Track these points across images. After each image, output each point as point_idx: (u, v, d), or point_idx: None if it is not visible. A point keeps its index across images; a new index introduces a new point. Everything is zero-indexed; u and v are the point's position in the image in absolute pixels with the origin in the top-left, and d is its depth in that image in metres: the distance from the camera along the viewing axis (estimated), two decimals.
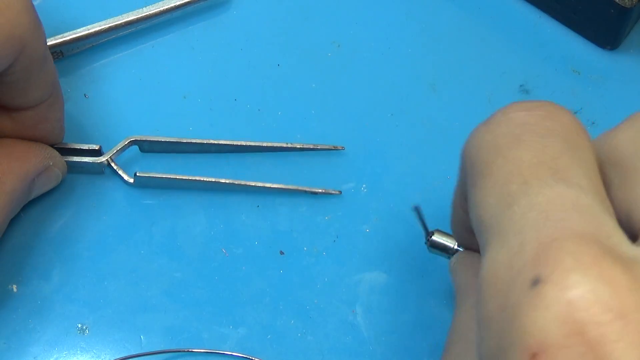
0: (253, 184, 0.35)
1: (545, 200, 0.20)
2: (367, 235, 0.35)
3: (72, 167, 0.34)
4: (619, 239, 0.20)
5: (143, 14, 0.38)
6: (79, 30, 0.37)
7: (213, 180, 0.34)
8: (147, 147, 0.35)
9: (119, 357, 0.32)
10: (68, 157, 0.34)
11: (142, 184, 0.35)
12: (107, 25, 0.37)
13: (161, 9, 0.38)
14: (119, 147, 0.34)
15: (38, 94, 0.30)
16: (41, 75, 0.29)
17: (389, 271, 0.34)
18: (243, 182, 0.35)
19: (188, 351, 0.32)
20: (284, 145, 0.36)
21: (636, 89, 0.39)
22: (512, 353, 0.18)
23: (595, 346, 0.17)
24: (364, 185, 0.36)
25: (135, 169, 0.35)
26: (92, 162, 0.34)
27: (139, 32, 0.38)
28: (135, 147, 0.35)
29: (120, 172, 0.34)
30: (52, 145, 0.33)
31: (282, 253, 0.35)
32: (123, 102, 0.37)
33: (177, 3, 0.38)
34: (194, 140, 0.35)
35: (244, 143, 0.36)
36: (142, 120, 0.36)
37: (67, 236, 0.34)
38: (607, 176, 0.23)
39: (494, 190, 0.21)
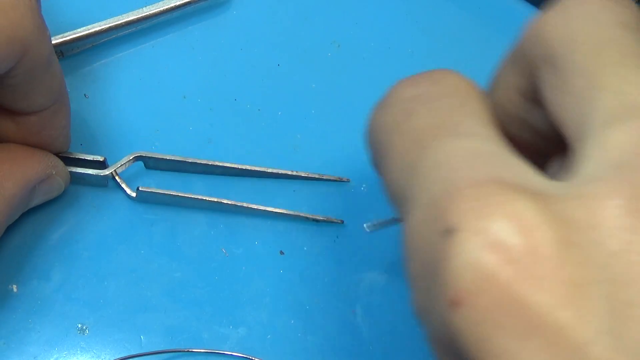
0: (255, 207, 0.35)
1: (445, 156, 0.20)
2: (367, 235, 0.35)
3: (76, 178, 0.34)
4: (527, 174, 0.19)
5: (143, 14, 0.38)
6: (79, 30, 0.37)
7: (215, 200, 0.34)
8: (152, 164, 0.35)
9: (119, 357, 0.32)
10: (72, 167, 0.34)
11: (144, 199, 0.34)
12: (107, 25, 0.37)
13: (161, 9, 0.38)
14: (123, 161, 0.34)
15: (42, 99, 0.30)
16: (45, 79, 0.29)
17: (389, 271, 0.34)
18: (245, 205, 0.34)
19: (188, 351, 0.32)
20: (289, 172, 0.36)
21: None
22: (437, 306, 0.18)
23: (509, 287, 0.17)
24: (364, 185, 0.36)
25: (139, 184, 0.34)
26: (96, 175, 0.34)
27: (139, 32, 0.38)
28: (140, 163, 0.35)
29: (123, 185, 0.34)
30: (56, 154, 0.33)
31: (282, 253, 0.35)
32: (123, 102, 0.37)
33: (177, 3, 0.38)
34: (199, 161, 0.35)
35: (249, 167, 0.35)
36: (142, 121, 0.36)
37: (67, 237, 0.34)
38: (540, 78, 0.22)
39: (397, 166, 0.21)
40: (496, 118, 0.22)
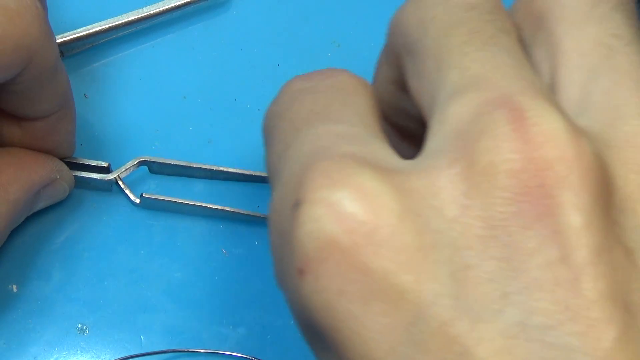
0: (259, 215, 0.34)
1: (313, 137, 0.20)
2: None
3: (79, 183, 0.34)
4: (383, 154, 0.20)
5: (143, 14, 0.38)
6: (79, 30, 0.37)
7: (219, 207, 0.34)
8: (157, 169, 0.35)
9: (119, 357, 0.32)
10: (76, 171, 0.34)
11: (147, 205, 0.34)
12: (107, 25, 0.37)
13: (161, 9, 0.38)
14: (127, 166, 0.34)
15: (47, 105, 0.30)
16: (51, 86, 0.29)
17: None
18: (251, 213, 0.34)
19: (188, 351, 0.32)
20: None
21: None
22: (288, 277, 0.19)
23: (350, 253, 0.17)
24: None
25: (142, 188, 0.35)
26: (100, 179, 0.34)
27: (139, 32, 0.38)
28: (145, 168, 0.35)
29: (127, 191, 0.34)
30: (60, 159, 0.33)
31: None
32: (123, 102, 0.37)
33: (177, 3, 0.38)
34: (203, 166, 0.35)
35: (253, 173, 0.35)
36: (141, 121, 0.36)
37: (68, 238, 0.34)
38: (403, 66, 0.23)
39: (275, 150, 0.22)
40: (380, 111, 0.23)
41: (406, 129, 0.23)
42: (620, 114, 0.19)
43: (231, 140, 0.37)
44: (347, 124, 0.21)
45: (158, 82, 0.38)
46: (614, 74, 0.20)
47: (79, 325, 0.33)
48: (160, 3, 0.38)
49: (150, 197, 0.34)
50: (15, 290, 0.33)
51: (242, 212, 0.34)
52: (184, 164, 0.35)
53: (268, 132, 0.23)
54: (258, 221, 0.35)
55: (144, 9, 0.38)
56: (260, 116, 0.37)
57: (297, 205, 0.18)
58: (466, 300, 0.17)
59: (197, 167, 0.35)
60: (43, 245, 0.34)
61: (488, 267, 0.17)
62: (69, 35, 0.36)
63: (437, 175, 0.18)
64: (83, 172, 0.34)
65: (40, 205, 0.33)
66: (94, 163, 0.34)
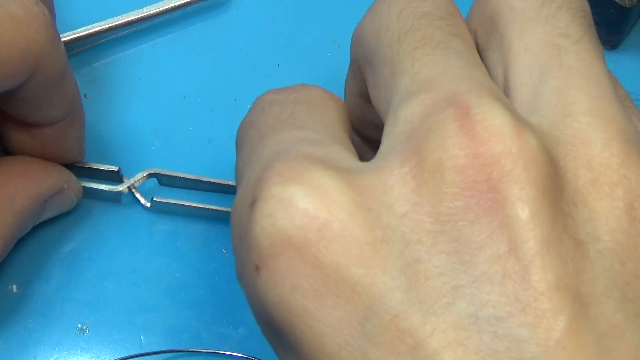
0: None
1: (276, 142, 0.21)
2: None
3: (88, 193, 0.34)
4: (341, 157, 0.20)
5: (143, 14, 0.38)
6: (79, 30, 0.37)
7: (229, 210, 0.34)
8: (166, 181, 0.35)
9: (119, 357, 0.32)
10: (85, 182, 0.33)
11: (158, 209, 0.34)
12: (107, 25, 0.37)
13: (161, 9, 0.38)
14: (137, 178, 0.34)
15: (55, 112, 0.30)
16: (59, 93, 0.29)
17: None
18: None
19: (188, 351, 0.32)
20: None
21: (636, 89, 0.39)
22: (246, 274, 0.19)
23: (302, 248, 0.18)
24: None
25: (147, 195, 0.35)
26: (110, 191, 0.34)
27: (139, 32, 0.38)
28: (154, 180, 0.35)
29: (138, 195, 0.34)
30: (70, 163, 0.33)
31: None
32: (123, 102, 0.37)
33: (177, 3, 0.38)
34: (212, 180, 0.34)
35: None
36: (141, 121, 0.36)
37: (68, 238, 0.34)
38: (365, 78, 0.24)
39: (241, 155, 0.23)
40: (350, 124, 0.24)
41: (376, 141, 0.24)
42: (570, 111, 0.20)
43: (231, 140, 0.36)
44: (311, 131, 0.22)
45: (158, 82, 0.38)
46: (563, 73, 0.21)
47: (79, 326, 0.33)
48: (160, 3, 0.38)
49: (162, 201, 0.34)
50: (15, 290, 0.33)
51: None
52: (193, 177, 0.34)
53: (239, 141, 0.24)
54: None
55: (144, 9, 0.38)
56: None
57: (253, 203, 0.19)
58: (417, 293, 0.17)
59: (207, 181, 0.34)
60: (43, 244, 0.34)
61: (438, 261, 0.18)
62: (69, 35, 0.36)
63: (389, 174, 0.19)
64: (92, 183, 0.34)
65: (47, 215, 0.32)
66: (104, 167, 0.34)
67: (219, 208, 0.34)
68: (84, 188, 0.33)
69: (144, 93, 0.37)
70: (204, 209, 0.34)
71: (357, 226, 0.18)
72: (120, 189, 0.34)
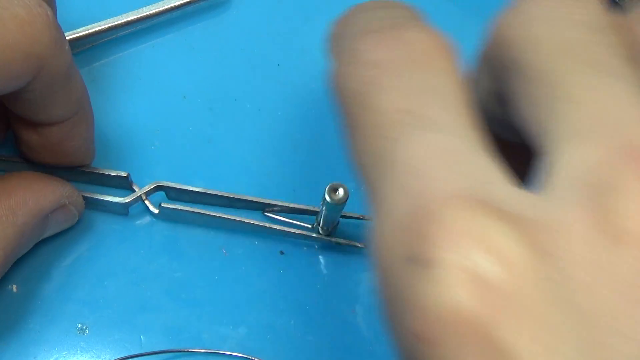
0: (278, 227, 0.34)
1: (415, 157, 0.18)
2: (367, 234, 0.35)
3: (95, 204, 0.34)
4: (496, 182, 0.18)
5: (143, 14, 0.38)
6: (78, 30, 0.37)
7: (237, 219, 0.34)
8: (174, 195, 0.35)
9: (119, 357, 0.32)
10: (92, 194, 0.33)
11: (166, 216, 0.34)
12: (107, 25, 0.37)
13: (161, 9, 0.38)
14: (145, 189, 0.34)
15: (61, 111, 0.30)
16: (63, 92, 0.29)
17: None
18: (267, 225, 0.34)
19: (188, 351, 0.32)
20: (311, 208, 0.35)
21: None
22: (399, 329, 0.17)
23: (485, 329, 0.16)
24: (364, 185, 0.36)
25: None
26: (116, 202, 0.34)
27: (139, 32, 0.38)
28: (162, 193, 0.35)
29: (147, 202, 0.34)
30: (78, 167, 0.33)
31: (282, 253, 0.35)
32: (123, 102, 0.37)
33: (177, 3, 0.38)
34: (219, 193, 0.34)
35: (272, 202, 0.35)
36: (141, 121, 0.36)
37: (68, 238, 0.34)
38: (505, 83, 0.21)
39: (364, 148, 0.20)
40: (472, 103, 0.21)
41: (492, 133, 0.21)
42: None
43: (231, 140, 0.37)
44: (446, 132, 0.19)
45: (158, 82, 0.38)
46: None
47: (79, 325, 0.33)
48: (160, 3, 0.38)
49: (169, 207, 0.34)
50: (15, 290, 0.33)
51: (261, 225, 0.34)
52: (201, 190, 0.34)
53: (347, 113, 0.21)
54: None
55: (144, 9, 0.38)
56: (260, 116, 0.37)
57: (418, 261, 0.16)
58: None
59: (214, 194, 0.34)
60: (44, 245, 0.34)
61: (628, 349, 0.16)
62: (69, 35, 0.36)
63: (569, 238, 0.17)
64: (97, 195, 0.34)
65: (49, 232, 0.32)
66: (113, 173, 0.34)
67: (225, 216, 0.34)
68: (93, 199, 0.33)
69: (144, 93, 0.37)
70: (212, 216, 0.34)
71: (541, 304, 0.16)
72: (128, 200, 0.34)
